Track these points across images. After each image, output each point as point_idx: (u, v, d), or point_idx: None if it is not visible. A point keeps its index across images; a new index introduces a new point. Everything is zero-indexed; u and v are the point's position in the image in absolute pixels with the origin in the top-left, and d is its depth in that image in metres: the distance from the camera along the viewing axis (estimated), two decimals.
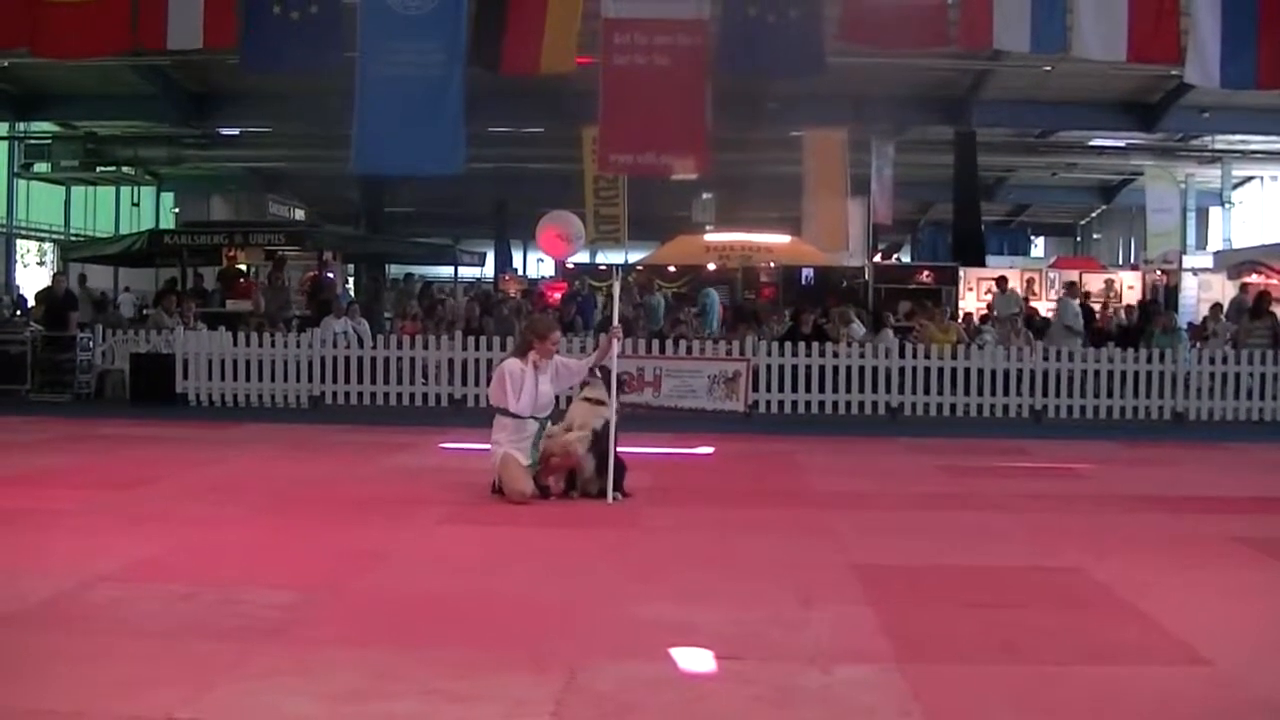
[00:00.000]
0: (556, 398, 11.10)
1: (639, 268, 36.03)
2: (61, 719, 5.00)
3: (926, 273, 33.22)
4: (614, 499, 10.63)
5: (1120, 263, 45.89)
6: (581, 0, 18.58)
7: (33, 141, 39.02)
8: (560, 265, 36.97)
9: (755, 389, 18.98)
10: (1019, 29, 17.93)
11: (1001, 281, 29.41)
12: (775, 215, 39.36)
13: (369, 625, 6.56)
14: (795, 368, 19.28)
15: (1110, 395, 19.39)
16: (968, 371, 19.33)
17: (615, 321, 11.92)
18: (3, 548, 8.30)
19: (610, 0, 18.59)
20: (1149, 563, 8.44)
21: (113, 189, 45.46)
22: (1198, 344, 21.58)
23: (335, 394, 19.49)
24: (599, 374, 11.00)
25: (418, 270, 34.68)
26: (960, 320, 25.94)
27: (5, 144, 39.03)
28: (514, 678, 5.54)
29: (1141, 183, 41.20)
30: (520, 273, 50.52)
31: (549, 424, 10.74)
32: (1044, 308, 30.58)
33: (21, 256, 42.26)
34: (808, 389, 19.26)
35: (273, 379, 19.55)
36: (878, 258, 38.52)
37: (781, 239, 34.33)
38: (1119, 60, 18.96)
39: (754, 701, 5.36)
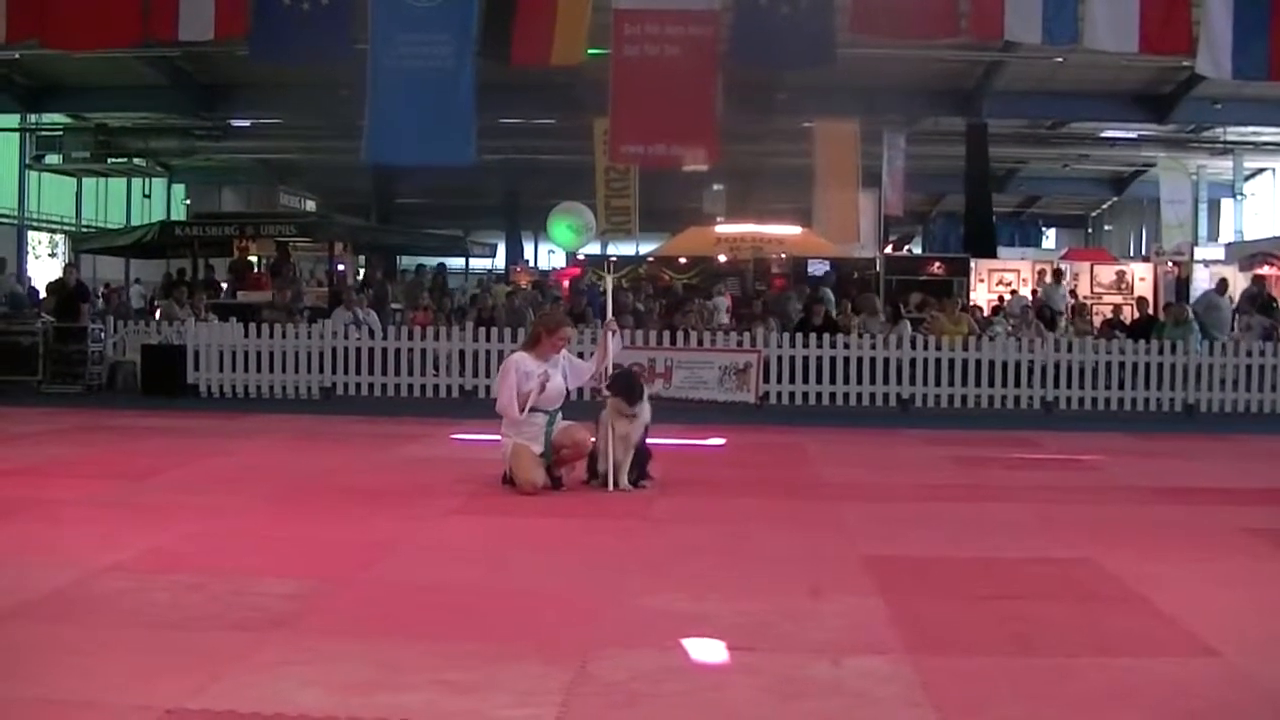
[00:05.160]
0: (568, 391, 11.06)
1: (649, 259, 36.03)
2: (70, 709, 5.00)
3: (938, 264, 33.20)
4: (637, 487, 10.69)
5: (1131, 254, 45.85)
6: None
7: (44, 133, 39.11)
8: (571, 256, 37.00)
9: (766, 380, 18.99)
10: (1030, 20, 17.92)
11: (1058, 273, 29.82)
12: (786, 207, 39.38)
13: (379, 616, 6.56)
14: (806, 359, 19.28)
15: (1121, 387, 19.37)
16: (979, 363, 19.30)
17: (609, 314, 11.95)
18: (12, 538, 8.32)
19: None
20: (1160, 554, 8.43)
21: (124, 181, 45.64)
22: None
23: (346, 385, 19.51)
24: (611, 395, 10.86)
25: (430, 261, 34.71)
26: (986, 311, 26.15)
27: (16, 136, 39.17)
28: (524, 668, 5.54)
29: (1153, 175, 41.20)
30: (531, 264, 50.59)
31: (559, 416, 10.73)
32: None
33: (33, 248, 42.37)
34: (819, 380, 19.26)
35: (284, 370, 19.58)
36: (889, 249, 38.49)
37: (792, 230, 34.32)
38: (1130, 51, 18.94)
39: (763, 692, 5.35)
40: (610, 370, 11.10)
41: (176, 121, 38.39)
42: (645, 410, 10.79)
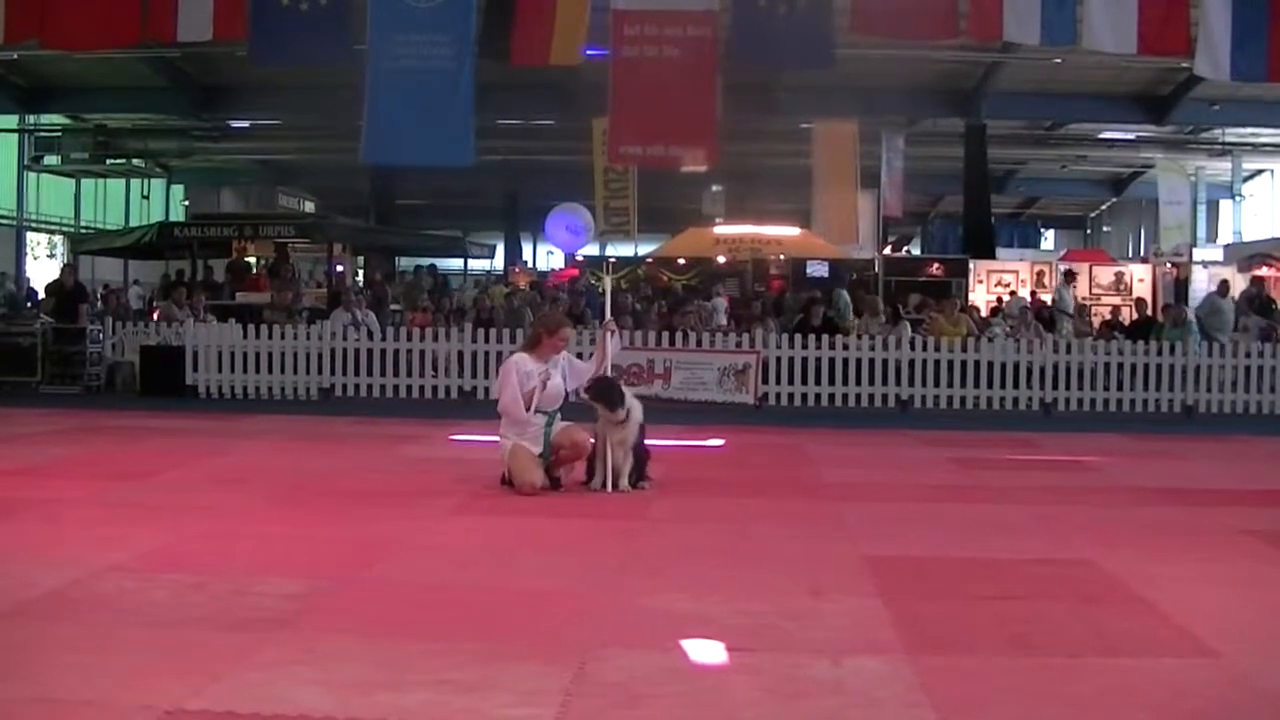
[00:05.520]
0: (567, 393, 11.06)
1: (648, 260, 36.05)
2: (69, 709, 5.00)
3: (936, 265, 33.21)
4: (635, 488, 10.70)
5: (1130, 255, 45.90)
6: None
7: (43, 134, 39.11)
8: (570, 257, 37.03)
9: (765, 381, 18.99)
10: (1029, 21, 17.93)
11: (1070, 274, 29.95)
12: (785, 208, 39.43)
13: (379, 616, 6.56)
14: (805, 360, 19.29)
15: (1120, 388, 19.39)
16: (978, 364, 19.32)
17: (608, 315, 11.98)
18: (12, 538, 8.31)
19: None
20: (1159, 555, 8.43)
21: (123, 181, 45.62)
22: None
23: (345, 386, 19.52)
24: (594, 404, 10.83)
25: (428, 262, 34.78)
26: (984, 311, 26.20)
27: (15, 137, 39.16)
28: (524, 668, 5.53)
29: (1151, 176, 41.23)
30: (530, 265, 50.61)
31: (558, 416, 10.73)
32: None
33: (32, 249, 42.35)
34: (818, 381, 19.27)
35: (283, 371, 19.59)
36: (888, 250, 38.51)
37: (791, 231, 34.37)
38: (1129, 52, 18.98)
39: (763, 693, 5.35)
40: (609, 370, 11.12)
41: (175, 122, 38.43)
42: (636, 411, 10.77)
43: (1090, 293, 32.65)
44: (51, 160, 39.77)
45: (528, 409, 10.49)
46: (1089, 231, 58.11)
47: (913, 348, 19.54)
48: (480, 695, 5.21)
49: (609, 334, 11.29)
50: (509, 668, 5.55)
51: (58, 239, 43.30)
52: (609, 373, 11.10)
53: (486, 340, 19.43)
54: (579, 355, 12.57)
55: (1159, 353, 19.46)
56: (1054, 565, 8.06)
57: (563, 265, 42.01)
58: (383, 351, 19.64)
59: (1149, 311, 26.33)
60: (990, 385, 19.29)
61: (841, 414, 18.72)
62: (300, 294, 25.64)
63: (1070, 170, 46.08)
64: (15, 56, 28.98)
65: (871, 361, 19.34)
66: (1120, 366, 19.52)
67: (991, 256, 34.86)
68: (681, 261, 34.87)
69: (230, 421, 16.46)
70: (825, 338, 19.49)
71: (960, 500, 10.82)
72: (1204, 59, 18.31)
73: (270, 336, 19.73)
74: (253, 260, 29.71)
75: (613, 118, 19.55)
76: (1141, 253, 45.62)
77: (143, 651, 5.76)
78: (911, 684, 5.45)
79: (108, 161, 40.20)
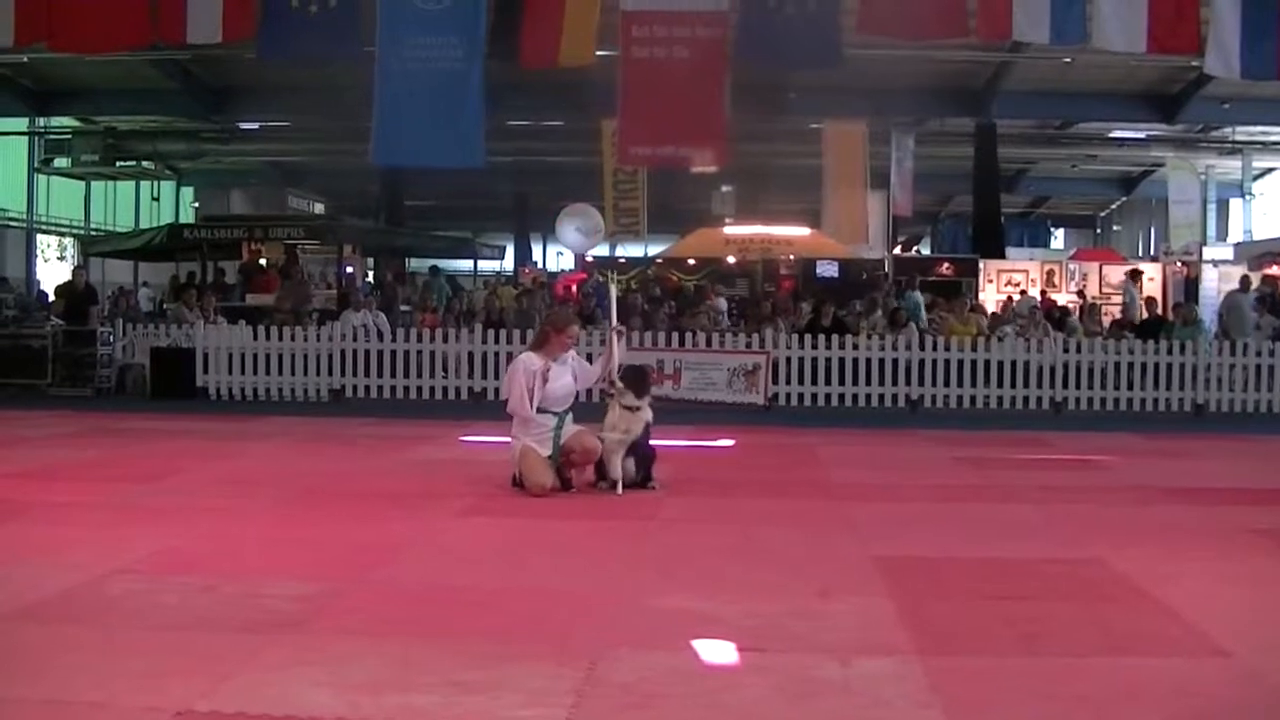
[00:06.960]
0: (578, 393, 11.05)
1: (658, 260, 36.03)
2: (79, 710, 5.01)
3: (946, 265, 33.18)
4: (647, 488, 10.71)
5: (1140, 254, 45.80)
6: None
7: (53, 136, 39.17)
8: (579, 258, 37.02)
9: (775, 381, 18.99)
10: (1039, 20, 17.90)
11: (1135, 273, 29.96)
12: (795, 208, 39.37)
13: (389, 617, 6.56)
14: (815, 360, 19.28)
15: (1130, 387, 19.36)
16: (988, 364, 19.31)
17: (614, 320, 11.98)
18: (22, 539, 8.33)
19: None
20: (1169, 554, 8.41)
21: (133, 184, 45.61)
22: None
23: (356, 387, 19.55)
24: (621, 384, 10.84)
25: (441, 263, 34.84)
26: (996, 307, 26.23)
27: (26, 139, 39.21)
28: (534, 669, 5.54)
29: (1161, 175, 41.13)
30: (540, 265, 50.60)
31: (568, 417, 10.72)
32: (1063, 299, 30.65)
33: (42, 251, 42.41)
34: (827, 381, 19.27)
35: (293, 373, 19.62)
36: (897, 250, 38.46)
37: (801, 231, 34.30)
38: (1139, 51, 18.94)
39: (773, 693, 5.35)
40: (617, 372, 11.10)
41: (185, 124, 38.44)
42: (646, 409, 10.79)
43: (1100, 292, 32.63)
44: (61, 162, 39.77)
45: (532, 405, 10.48)
46: (1099, 230, 58.00)
47: (922, 348, 19.54)
48: (490, 696, 5.21)
49: (617, 337, 11.30)
50: (519, 668, 5.55)
51: (68, 241, 43.31)
52: (617, 374, 11.07)
53: (496, 341, 19.44)
54: (586, 356, 12.59)
55: (1169, 352, 19.43)
56: (1064, 565, 8.05)
57: (572, 266, 41.99)
58: (393, 353, 19.67)
59: (1159, 310, 26.28)
60: (1000, 385, 19.28)
61: (851, 414, 18.71)
62: (310, 295, 25.65)
63: (1080, 169, 46.00)
64: (25, 59, 29.02)
65: (881, 361, 19.33)
66: (1130, 365, 19.49)
67: (1001, 256, 34.84)
68: (691, 262, 34.81)
69: (241, 423, 16.49)
70: (835, 338, 19.48)
71: (970, 500, 10.82)
72: (1214, 57, 18.29)
73: (280, 338, 19.76)
74: (264, 262, 29.74)
75: (622, 119, 19.56)
76: (1151, 252, 45.53)
77: (152, 653, 5.76)
78: (921, 684, 5.45)
79: (117, 164, 40.19)
